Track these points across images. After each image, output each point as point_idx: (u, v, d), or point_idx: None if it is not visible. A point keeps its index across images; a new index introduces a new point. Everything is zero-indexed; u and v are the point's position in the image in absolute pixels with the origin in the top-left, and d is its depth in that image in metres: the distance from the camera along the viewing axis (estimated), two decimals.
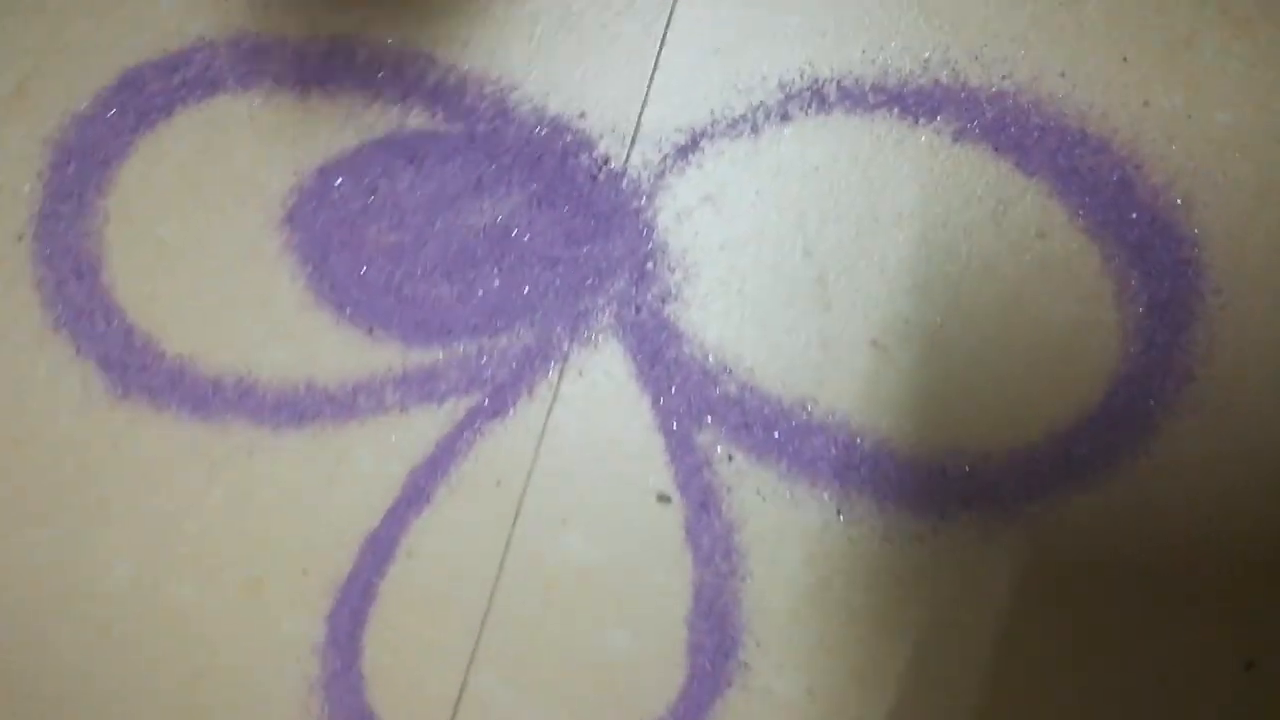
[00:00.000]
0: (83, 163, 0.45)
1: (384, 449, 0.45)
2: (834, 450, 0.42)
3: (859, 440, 0.42)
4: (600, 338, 0.43)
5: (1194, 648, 0.41)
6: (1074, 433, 0.41)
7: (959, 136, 0.41)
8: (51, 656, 0.46)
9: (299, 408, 0.45)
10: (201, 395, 0.45)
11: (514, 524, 0.44)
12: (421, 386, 0.44)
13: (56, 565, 0.46)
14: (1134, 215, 0.40)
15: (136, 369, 0.45)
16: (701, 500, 0.43)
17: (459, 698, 0.45)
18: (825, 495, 0.42)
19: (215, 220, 0.45)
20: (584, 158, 0.42)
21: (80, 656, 0.46)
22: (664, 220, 0.43)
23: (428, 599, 0.45)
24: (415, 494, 0.44)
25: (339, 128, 0.44)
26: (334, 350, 0.45)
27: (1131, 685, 0.41)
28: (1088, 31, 0.40)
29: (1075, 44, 0.40)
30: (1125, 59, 0.40)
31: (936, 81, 0.41)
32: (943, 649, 0.42)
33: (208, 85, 0.44)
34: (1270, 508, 0.40)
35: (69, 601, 0.46)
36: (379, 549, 0.45)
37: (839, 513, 0.42)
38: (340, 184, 0.44)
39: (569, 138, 0.42)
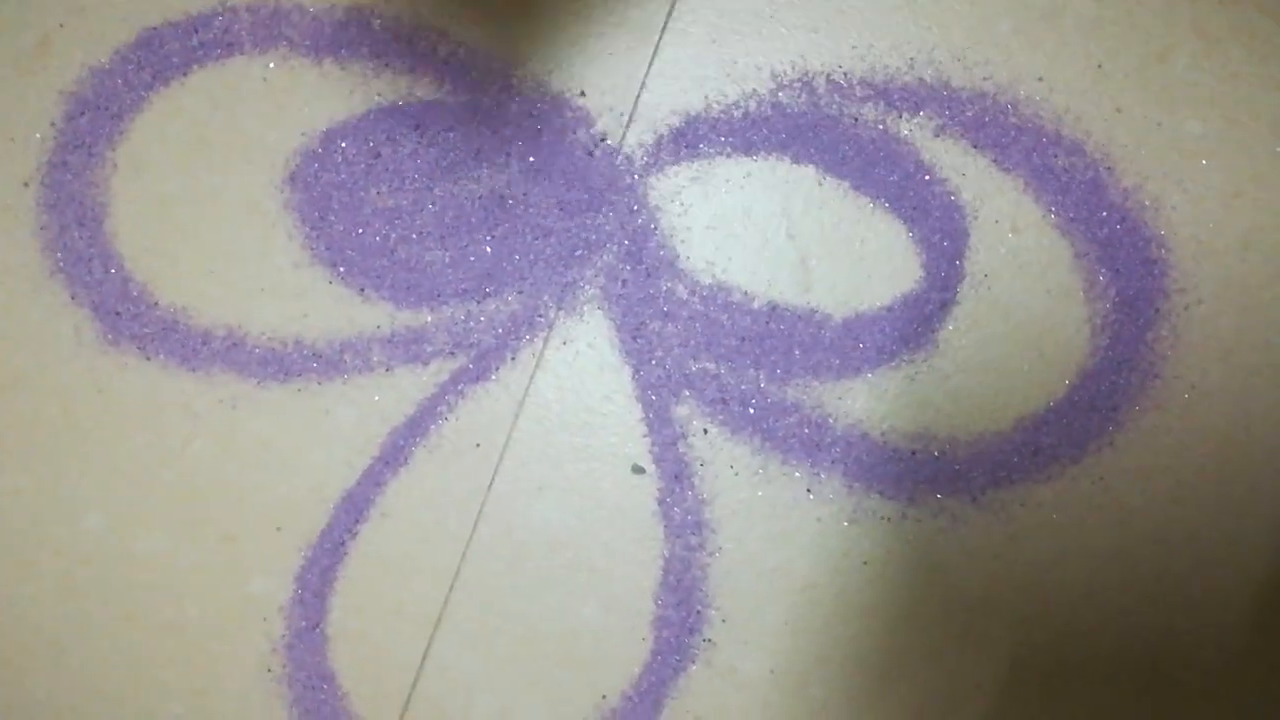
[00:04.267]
0: (96, 115, 0.47)
1: (367, 407, 0.45)
2: (806, 430, 0.43)
3: (831, 420, 0.43)
4: (586, 308, 0.44)
5: (1153, 636, 0.41)
6: (1041, 422, 0.42)
7: (940, 132, 0.42)
8: (15, 601, 0.46)
9: (286, 363, 0.46)
10: (191, 346, 0.46)
11: (489, 489, 0.45)
12: (408, 348, 0.45)
13: (30, 509, 0.46)
14: (1104, 214, 0.42)
15: (129, 317, 0.46)
16: (675, 472, 0.44)
17: (421, 663, 0.45)
18: (796, 474, 0.43)
19: (220, 176, 0.46)
20: (581, 134, 0.44)
21: (45, 602, 0.46)
22: (654, 198, 0.44)
23: (397, 561, 0.45)
24: (394, 453, 0.45)
25: (348, 94, 0.45)
26: (325, 308, 0.46)
27: (1092, 672, 0.41)
28: (1065, 41, 0.42)
29: (1053, 52, 0.42)
30: (1100, 67, 0.42)
31: (921, 80, 0.43)
32: (907, 632, 0.42)
33: (225, 47, 0.46)
34: (1228, 502, 0.41)
35: (39, 545, 0.46)
36: (353, 508, 0.45)
37: (809, 491, 0.43)
38: (345, 147, 0.45)
39: (568, 114, 0.44)
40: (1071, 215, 0.42)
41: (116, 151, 0.47)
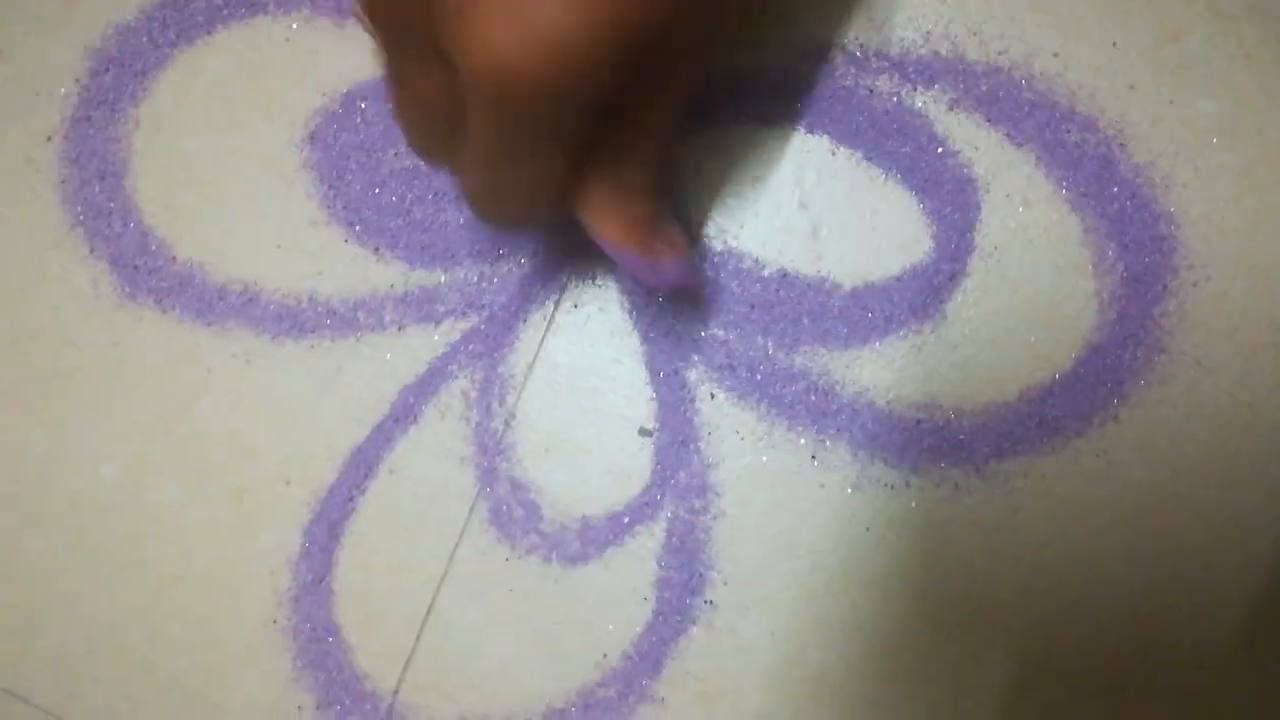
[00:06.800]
0: (120, 71, 0.47)
1: (379, 365, 0.46)
2: (813, 397, 0.43)
3: (838, 388, 0.43)
4: (598, 272, 0.45)
5: (1154, 611, 0.41)
6: (1046, 395, 0.42)
7: (954, 105, 0.43)
8: (26, 551, 0.47)
9: (300, 319, 0.46)
10: (207, 301, 0.47)
11: (498, 449, 0.45)
12: (420, 307, 0.46)
13: (43, 461, 0.47)
14: (1115, 190, 0.42)
15: (147, 271, 0.47)
16: (682, 437, 0.44)
17: (425, 618, 0.45)
18: (801, 440, 0.44)
19: (241, 134, 0.47)
20: None
21: (56, 552, 0.46)
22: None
23: (404, 518, 0.46)
24: (404, 411, 0.46)
25: (370, 55, 0.46)
26: (340, 267, 0.46)
27: (1092, 644, 0.42)
28: (1081, 18, 0.42)
29: (1068, 28, 0.42)
30: (1115, 45, 0.42)
31: (936, 53, 0.43)
32: (907, 599, 0.43)
33: (249, 6, 0.47)
34: (1231, 477, 0.41)
35: (52, 496, 0.47)
36: (363, 463, 0.46)
37: (813, 457, 0.43)
38: (364, 107, 0.46)
39: None
40: (1082, 191, 0.42)
41: (139, 108, 0.47)
